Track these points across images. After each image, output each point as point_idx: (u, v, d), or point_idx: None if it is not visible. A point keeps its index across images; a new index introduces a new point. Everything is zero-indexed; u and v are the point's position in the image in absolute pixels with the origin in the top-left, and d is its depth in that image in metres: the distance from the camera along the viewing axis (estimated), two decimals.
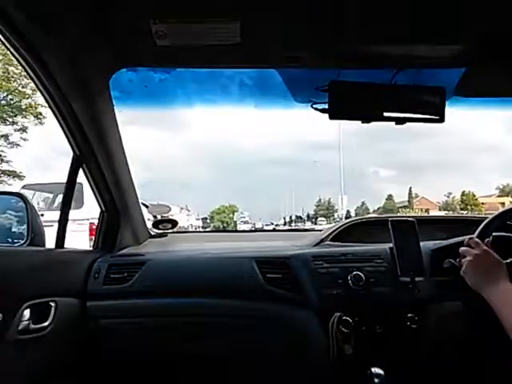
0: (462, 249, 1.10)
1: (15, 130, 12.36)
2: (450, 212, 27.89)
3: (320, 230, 1.78)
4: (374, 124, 1.19)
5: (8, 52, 0.91)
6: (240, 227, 23.03)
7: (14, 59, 0.94)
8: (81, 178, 1.27)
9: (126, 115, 1.28)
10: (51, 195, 5.61)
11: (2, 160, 12.29)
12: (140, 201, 1.54)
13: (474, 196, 34.19)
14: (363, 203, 42.41)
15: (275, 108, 1.47)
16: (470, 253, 1.07)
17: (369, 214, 33.96)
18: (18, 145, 12.49)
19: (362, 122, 1.18)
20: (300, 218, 37.49)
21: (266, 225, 27.44)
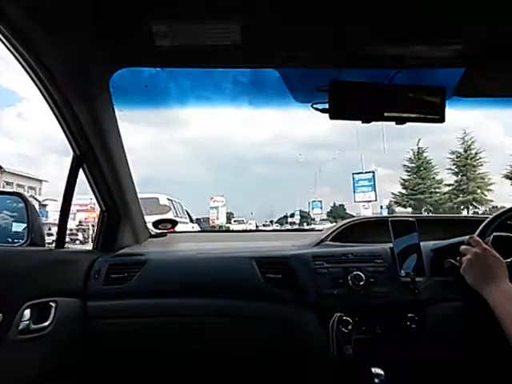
0: (463, 247, 1.10)
1: None
2: None
3: (320, 230, 1.78)
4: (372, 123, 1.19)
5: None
6: (233, 228, 19.31)
7: (14, 59, 0.94)
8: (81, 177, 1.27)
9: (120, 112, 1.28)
10: None
11: None
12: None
13: None
14: None
15: (270, 107, 1.48)
16: (470, 251, 1.06)
17: None
18: None
19: (362, 122, 1.18)
20: (286, 217, 33.56)
21: (264, 224, 24.11)
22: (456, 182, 25.29)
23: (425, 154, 26.74)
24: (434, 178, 26.49)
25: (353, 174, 24.07)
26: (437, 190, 26.25)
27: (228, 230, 8.99)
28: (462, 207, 24.34)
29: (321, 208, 31.08)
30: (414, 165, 26.96)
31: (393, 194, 27.55)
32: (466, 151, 24.85)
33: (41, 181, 21.56)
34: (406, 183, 26.72)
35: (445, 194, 25.55)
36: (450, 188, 25.66)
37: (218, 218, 24.27)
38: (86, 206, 14.25)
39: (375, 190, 23.46)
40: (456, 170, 25.16)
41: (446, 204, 24.85)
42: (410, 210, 25.58)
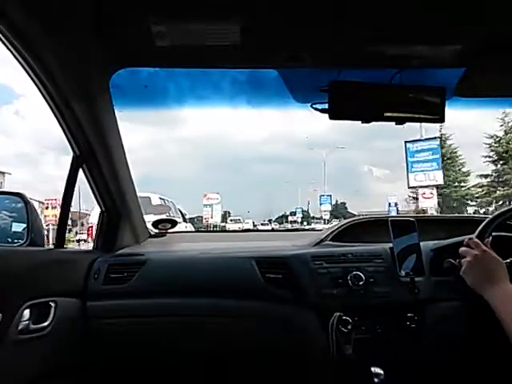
0: (462, 249, 1.10)
1: None
2: None
3: (320, 230, 1.78)
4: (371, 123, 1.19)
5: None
6: (229, 227, 18.21)
7: (14, 59, 0.94)
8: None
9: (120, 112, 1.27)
10: None
11: None
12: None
13: None
14: None
15: (270, 107, 1.48)
16: (469, 253, 1.07)
17: None
18: None
19: (362, 122, 1.18)
20: (286, 217, 31.85)
21: (262, 223, 23.05)
22: (495, 171, 20.20)
23: (449, 142, 21.94)
24: (459, 169, 22.07)
25: (405, 142, 16.41)
26: (462, 184, 21.74)
27: (227, 230, 8.89)
28: (501, 202, 19.68)
29: (330, 203, 26.59)
30: None
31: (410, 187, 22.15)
32: (506, 133, 19.72)
33: (3, 173, 19.65)
34: None
35: (482, 186, 20.76)
36: (488, 180, 20.52)
37: (212, 217, 22.16)
38: (46, 203, 12.85)
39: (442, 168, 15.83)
40: (495, 157, 19.92)
41: (483, 199, 20.52)
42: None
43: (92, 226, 7.05)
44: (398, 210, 18.46)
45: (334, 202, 33.69)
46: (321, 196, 27.07)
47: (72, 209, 1.28)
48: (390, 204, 19.91)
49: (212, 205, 21.98)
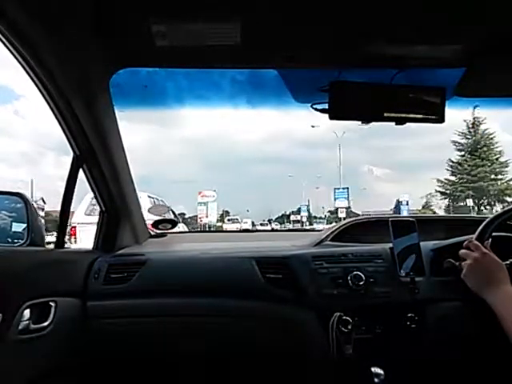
0: (462, 252, 1.10)
1: None
2: None
3: (320, 230, 1.78)
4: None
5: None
6: (226, 228, 17.19)
7: (14, 59, 0.94)
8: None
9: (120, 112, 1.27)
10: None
11: None
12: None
13: None
14: None
15: (270, 107, 1.48)
16: (469, 256, 1.07)
17: None
18: None
19: (362, 123, 1.18)
20: (287, 216, 30.50)
21: (261, 224, 21.92)
22: None
23: (483, 126, 18.38)
24: (497, 158, 18.40)
25: None
26: (499, 177, 17.90)
27: (230, 231, 8.77)
28: None
29: (347, 199, 22.55)
30: (469, 140, 18.47)
31: (439, 181, 19.19)
32: None
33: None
34: (459, 167, 18.07)
35: None
36: None
37: (207, 216, 20.13)
38: None
39: None
40: None
41: None
42: (469, 201, 17.60)
43: (75, 227, 6.35)
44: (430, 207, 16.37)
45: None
46: (335, 189, 23.21)
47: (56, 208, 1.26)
48: (401, 202, 17.82)
49: (207, 203, 20.16)
